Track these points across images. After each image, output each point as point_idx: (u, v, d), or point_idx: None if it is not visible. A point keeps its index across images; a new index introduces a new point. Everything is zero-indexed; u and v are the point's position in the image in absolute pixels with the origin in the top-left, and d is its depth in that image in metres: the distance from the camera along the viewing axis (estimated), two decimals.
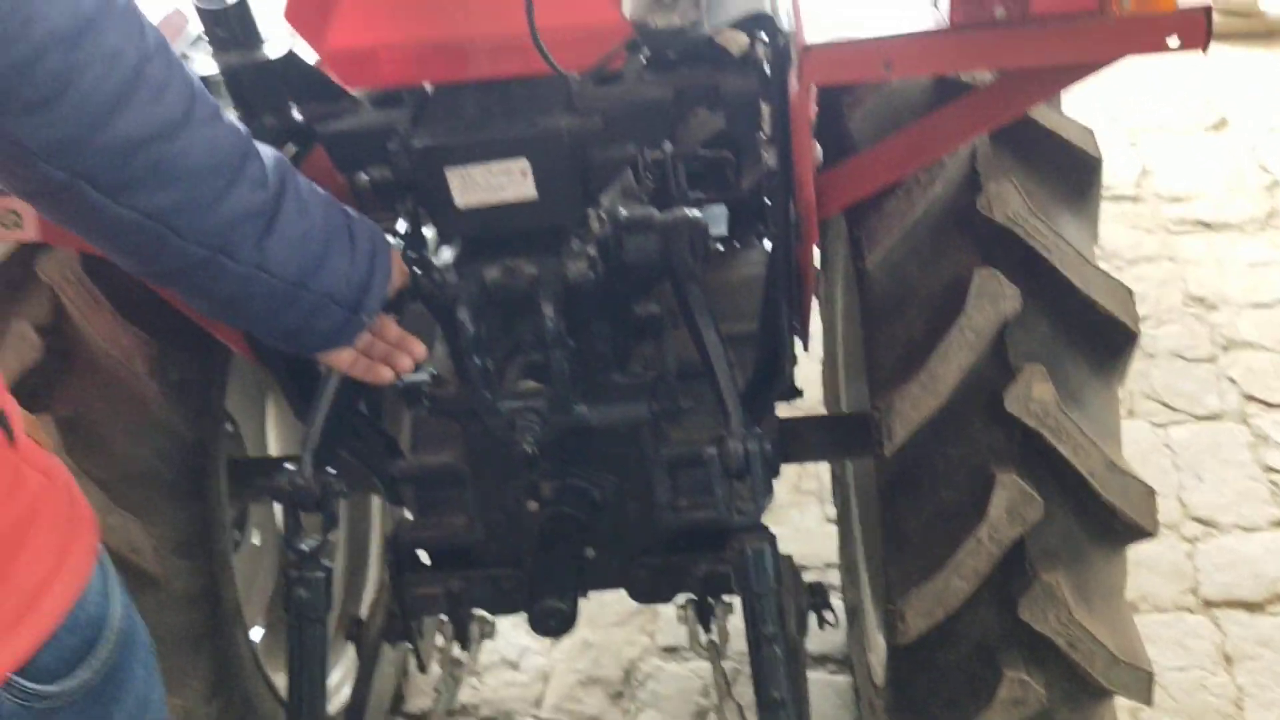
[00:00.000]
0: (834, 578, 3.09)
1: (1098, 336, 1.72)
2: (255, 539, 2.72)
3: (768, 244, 2.57)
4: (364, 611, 2.74)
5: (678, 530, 2.15)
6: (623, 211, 1.94)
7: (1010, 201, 1.72)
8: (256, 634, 2.65)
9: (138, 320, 1.82)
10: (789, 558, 2.02)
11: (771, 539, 1.77)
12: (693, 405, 1.91)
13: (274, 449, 2.69)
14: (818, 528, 3.33)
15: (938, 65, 1.48)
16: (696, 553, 2.15)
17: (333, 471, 1.82)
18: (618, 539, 2.16)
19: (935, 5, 1.52)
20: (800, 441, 2.28)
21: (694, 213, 1.93)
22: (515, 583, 2.19)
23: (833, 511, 3.09)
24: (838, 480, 2.89)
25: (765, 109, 1.71)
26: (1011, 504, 1.61)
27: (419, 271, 1.78)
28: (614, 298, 1.92)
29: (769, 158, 1.69)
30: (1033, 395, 1.63)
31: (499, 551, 2.20)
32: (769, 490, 1.75)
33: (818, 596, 2.19)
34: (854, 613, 2.68)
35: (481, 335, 1.78)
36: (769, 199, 1.75)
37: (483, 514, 2.17)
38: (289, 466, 1.83)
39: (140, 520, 1.78)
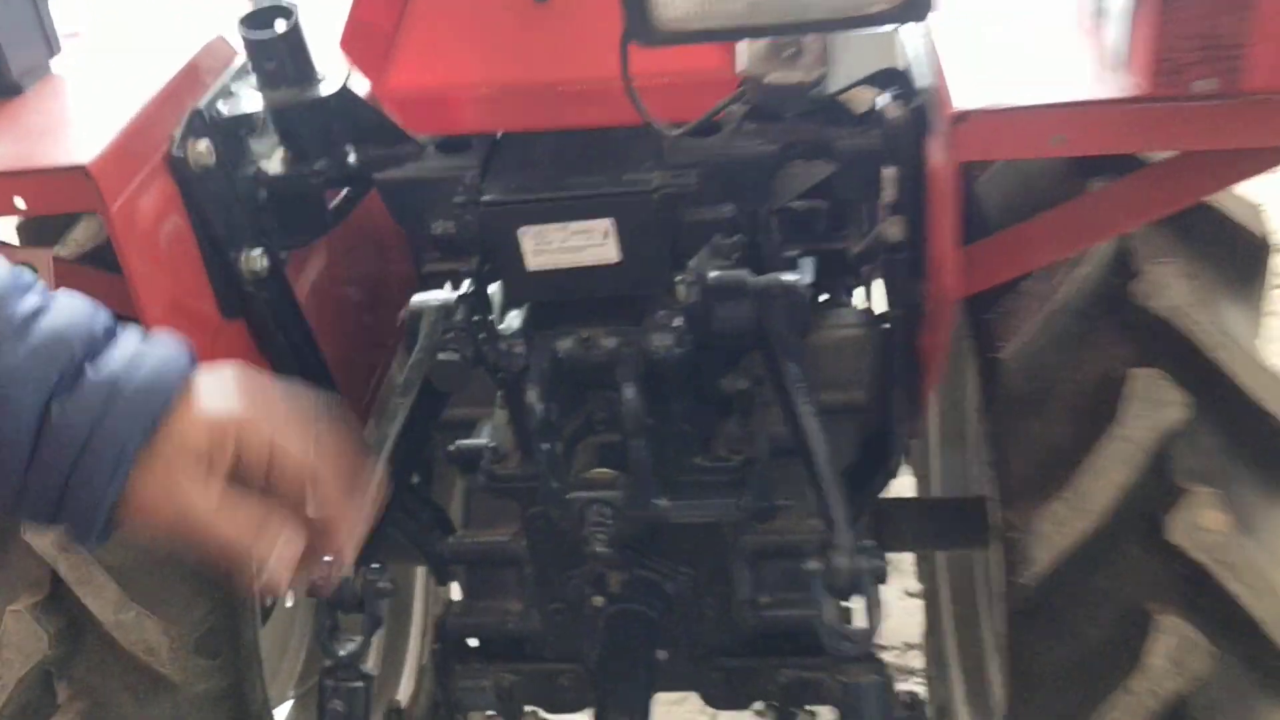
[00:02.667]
0: (914, 660, 2.83)
1: (1273, 453, 1.46)
2: (289, 599, 2.51)
3: (858, 301, 2.34)
4: (402, 693, 2.53)
5: (759, 630, 1.91)
6: (712, 275, 1.71)
7: (1171, 289, 1.46)
8: (285, 709, 2.45)
9: None
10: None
11: (883, 670, 1.52)
12: (789, 502, 1.67)
13: None
14: (896, 601, 3.06)
15: (1122, 143, 1.23)
16: (780, 656, 1.91)
17: (376, 566, 1.60)
18: (692, 638, 1.92)
19: (1105, 58, 1.27)
20: (895, 528, 2.03)
21: (792, 277, 1.69)
22: (575, 680, 1.96)
23: (914, 584, 2.82)
24: (924, 556, 2.63)
25: (888, 173, 1.46)
26: (1174, 652, 1.36)
27: (482, 337, 1.57)
28: (699, 372, 1.68)
29: (893, 230, 1.44)
30: (1200, 523, 1.38)
31: (558, 644, 1.96)
32: (880, 611, 1.51)
33: (914, 711, 1.94)
34: (943, 711, 2.42)
35: (551, 414, 1.56)
36: (890, 274, 1.51)
37: (541, 602, 1.94)
38: (325, 559, 1.61)
39: (156, 615, 1.57)
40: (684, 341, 1.58)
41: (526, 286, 1.59)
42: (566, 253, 1.55)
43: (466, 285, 1.64)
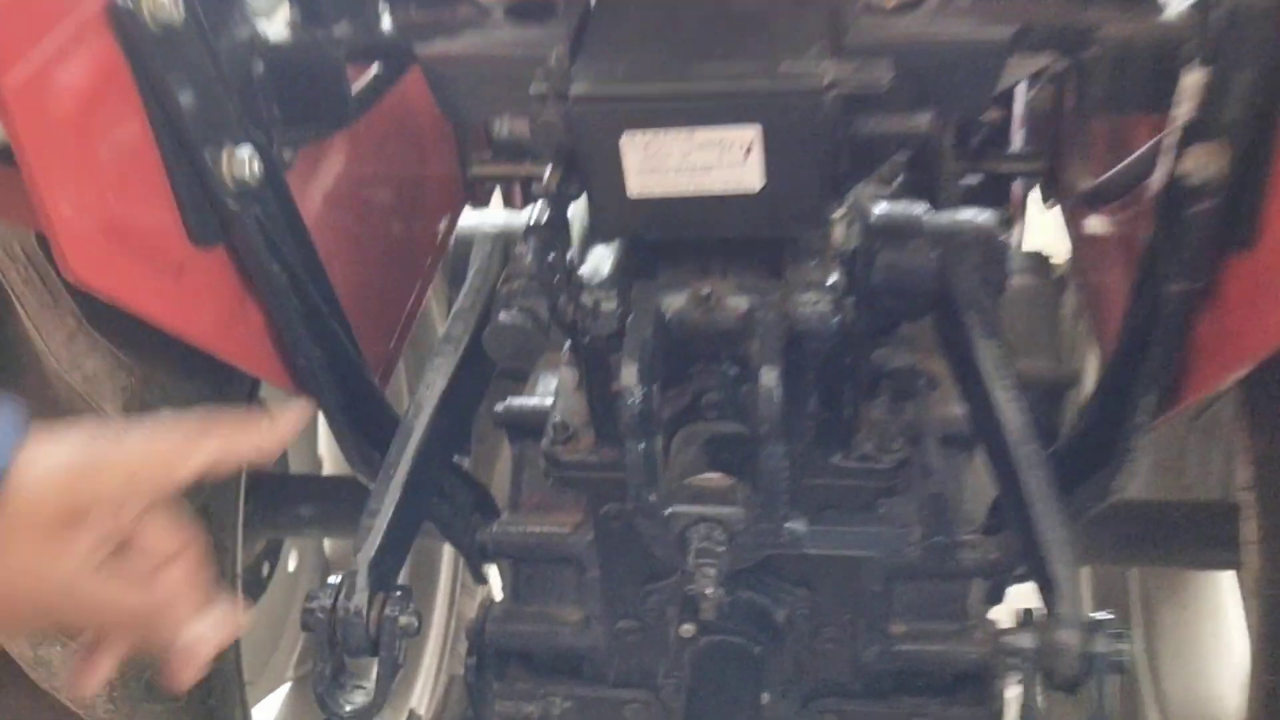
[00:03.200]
0: None
1: None
2: (291, 563, 2.09)
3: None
4: (418, 701, 2.11)
5: (890, 668, 1.48)
6: (879, 212, 1.24)
7: None
8: (283, 691, 2.05)
9: (111, 334, 1.15)
10: None
11: None
12: (973, 536, 1.23)
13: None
14: None
15: None
16: (915, 699, 1.49)
17: (398, 594, 1.16)
18: (804, 677, 1.49)
19: None
20: (1112, 535, 1.58)
21: (987, 218, 1.23)
22: (645, 715, 1.55)
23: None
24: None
25: (1193, 78, 0.98)
26: None
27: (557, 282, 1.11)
28: (853, 343, 1.22)
29: (1203, 163, 0.96)
30: None
31: (625, 668, 1.54)
32: (1107, 712, 1.07)
33: None
34: None
35: (649, 399, 1.10)
36: (1179, 226, 1.03)
37: (607, 616, 1.51)
38: (331, 581, 1.18)
39: None
40: (842, 305, 1.12)
41: (626, 218, 1.13)
42: (687, 173, 1.08)
43: (539, 209, 1.17)
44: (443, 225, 1.81)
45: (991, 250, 1.25)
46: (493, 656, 1.59)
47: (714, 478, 1.20)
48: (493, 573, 1.65)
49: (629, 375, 1.09)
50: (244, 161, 1.07)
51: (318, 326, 1.23)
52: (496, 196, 2.03)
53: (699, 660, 1.43)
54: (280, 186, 1.16)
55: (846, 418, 1.30)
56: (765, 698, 1.45)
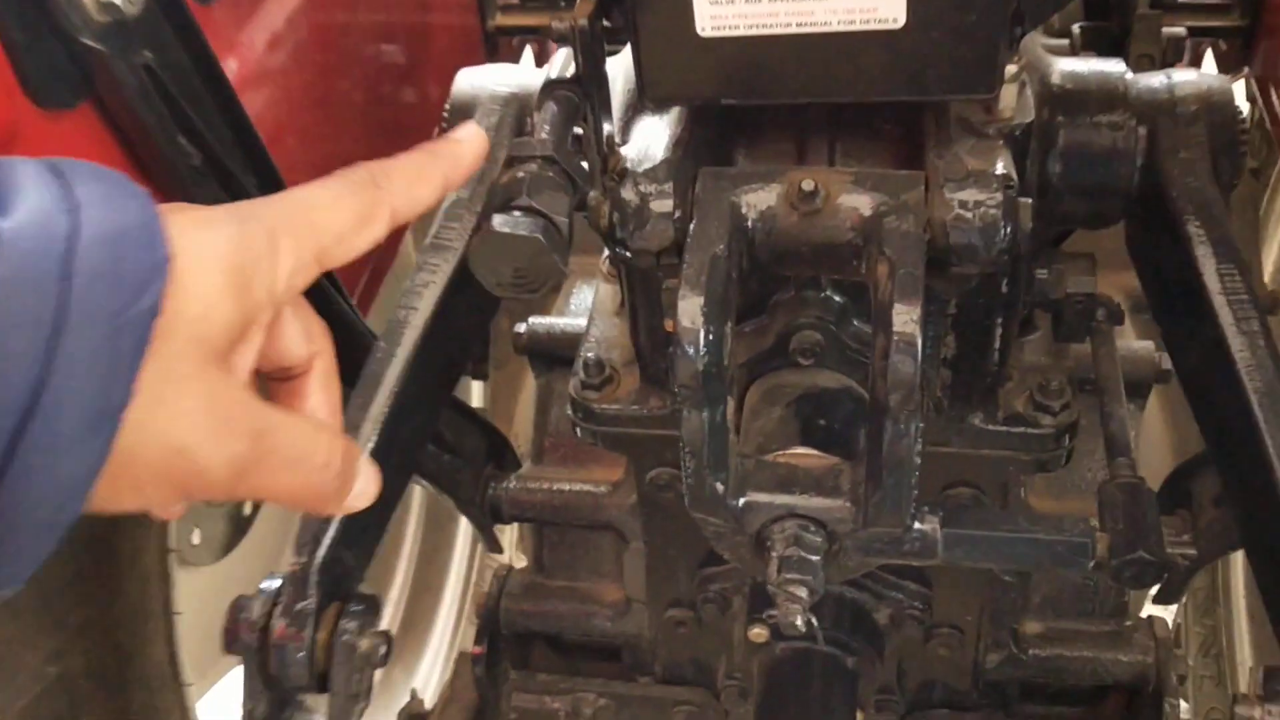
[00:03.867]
0: None
1: None
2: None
3: None
4: (423, 681, 1.78)
5: (1019, 676, 1.14)
6: (1061, 70, 0.86)
7: None
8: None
9: None
10: None
11: None
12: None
13: None
14: None
15: None
16: (1050, 713, 1.17)
17: (358, 607, 0.83)
18: (907, 687, 1.16)
19: None
20: None
21: (1216, 79, 0.85)
22: (703, 716, 1.22)
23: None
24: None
25: None
26: None
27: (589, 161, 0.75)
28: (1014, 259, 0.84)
29: None
30: None
31: (676, 661, 1.22)
32: None
33: None
34: None
35: (719, 349, 0.73)
36: None
37: (653, 595, 1.18)
38: (266, 585, 0.84)
39: None
40: (1014, 207, 0.74)
41: (691, 71, 0.75)
42: (788, 2, 0.70)
43: (562, 59, 0.80)
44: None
45: (1222, 126, 0.85)
46: (510, 639, 1.27)
47: (808, 454, 0.83)
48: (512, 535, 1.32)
49: (689, 312, 0.72)
50: None
51: None
52: (527, 57, 1.63)
53: (774, 668, 1.09)
54: (184, 20, 0.79)
55: (990, 362, 0.93)
56: (861, 718, 1.11)
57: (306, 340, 0.61)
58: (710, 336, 0.72)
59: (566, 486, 1.19)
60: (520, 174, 0.71)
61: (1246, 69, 1.32)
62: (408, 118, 1.31)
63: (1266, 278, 1.43)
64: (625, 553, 1.19)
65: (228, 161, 0.84)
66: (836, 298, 0.87)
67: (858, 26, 0.70)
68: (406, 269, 1.59)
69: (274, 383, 0.61)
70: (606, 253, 1.06)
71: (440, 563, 1.80)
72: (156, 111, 0.77)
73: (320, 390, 0.61)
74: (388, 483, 0.86)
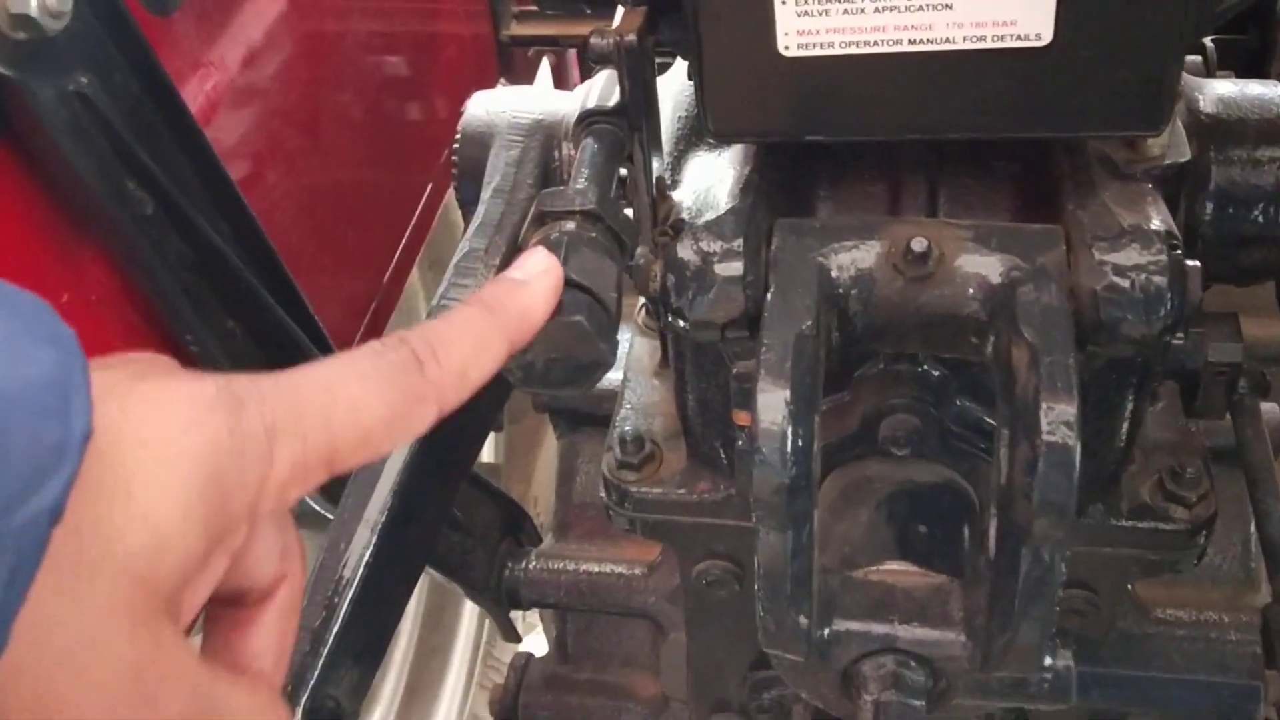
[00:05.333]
0: None
1: None
2: None
3: None
4: None
5: None
6: (1214, 95, 0.69)
7: None
8: None
9: None
10: None
11: None
12: None
13: None
14: None
15: None
16: None
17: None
18: None
19: None
20: None
21: None
22: None
23: None
24: None
25: None
26: None
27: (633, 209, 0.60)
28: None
29: None
30: None
31: None
32: None
33: None
34: None
35: (808, 455, 0.57)
36: None
37: (696, 697, 1.02)
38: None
39: None
40: (1181, 271, 0.59)
41: (768, 100, 0.60)
42: (899, 11, 0.54)
43: (603, 83, 0.64)
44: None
45: None
46: None
47: (906, 570, 0.67)
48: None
49: (772, 409, 0.56)
50: None
51: (223, 288, 0.71)
52: (544, 71, 1.47)
53: None
54: (129, 36, 0.63)
55: (1117, 447, 0.77)
56: None
57: (278, 559, 0.45)
58: (799, 441, 0.56)
59: (595, 567, 1.03)
60: (554, 235, 0.55)
61: None
62: (413, 140, 1.15)
63: None
64: (663, 643, 1.03)
65: (190, 208, 0.68)
66: (935, 371, 0.71)
67: (990, 44, 0.55)
68: (413, 309, 1.44)
69: (216, 605, 0.45)
70: (643, 302, 0.90)
71: (447, 624, 1.62)
72: (94, 152, 0.61)
73: (274, 628, 0.45)
74: (388, 601, 0.70)
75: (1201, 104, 0.70)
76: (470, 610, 1.69)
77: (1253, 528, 0.94)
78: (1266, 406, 0.96)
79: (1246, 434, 0.78)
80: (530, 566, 1.03)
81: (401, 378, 0.45)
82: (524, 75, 1.40)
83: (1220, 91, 0.71)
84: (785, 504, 0.57)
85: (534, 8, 1.28)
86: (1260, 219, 0.70)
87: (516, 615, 1.11)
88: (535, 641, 1.27)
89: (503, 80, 1.34)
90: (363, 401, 0.43)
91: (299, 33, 0.91)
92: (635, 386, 0.90)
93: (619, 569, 1.02)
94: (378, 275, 1.15)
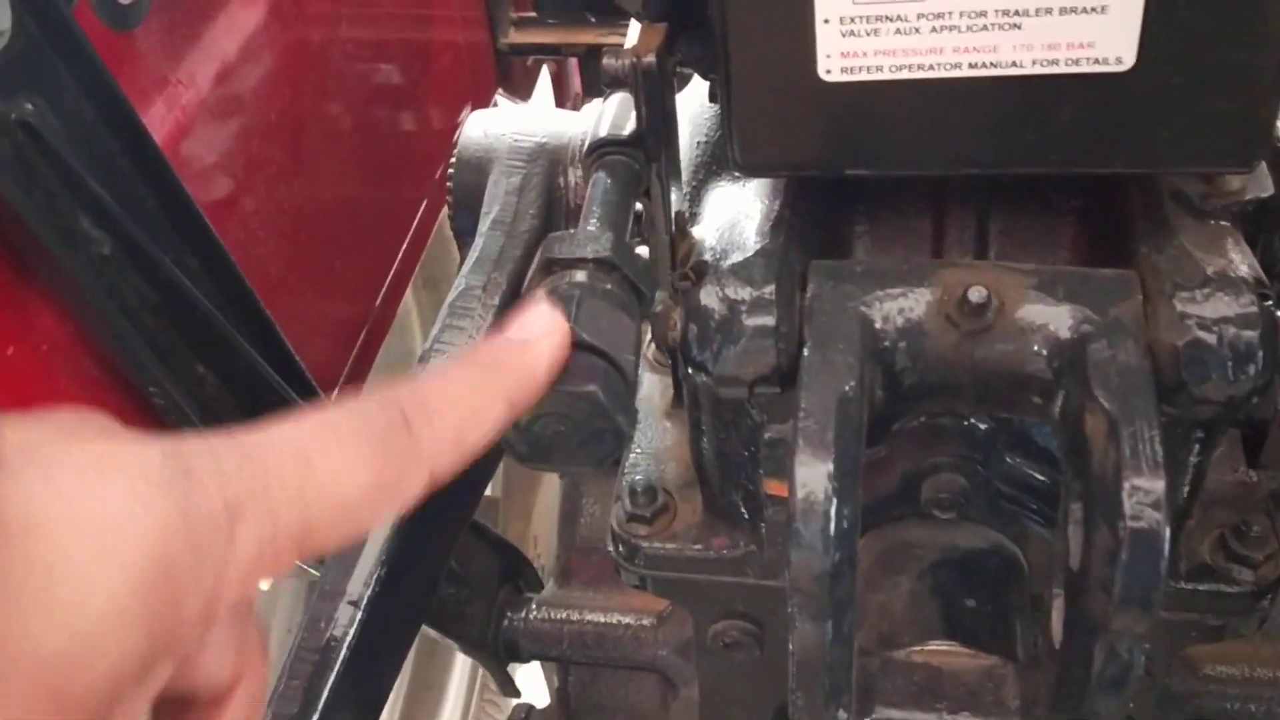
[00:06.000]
0: None
1: None
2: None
3: None
4: None
5: None
6: None
7: None
8: None
9: None
10: None
11: None
12: None
13: None
14: None
15: None
16: None
17: None
18: None
19: None
20: None
21: None
22: None
23: None
24: None
25: None
26: None
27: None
28: None
29: None
30: None
31: None
32: None
33: None
34: None
35: (852, 535, 0.50)
36: None
37: None
38: None
39: None
40: (1274, 321, 0.52)
41: (804, 130, 0.52)
42: (958, 31, 0.47)
43: (615, 107, 0.57)
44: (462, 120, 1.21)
45: None
46: None
47: (954, 651, 0.60)
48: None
49: (813, 485, 0.49)
50: None
51: (193, 333, 0.64)
52: (544, 80, 1.40)
53: None
54: (81, 55, 0.56)
55: (1179, 501, 0.70)
56: None
57: (235, 655, 0.38)
58: (844, 523, 0.49)
59: (600, 617, 0.96)
60: (564, 287, 0.48)
61: None
62: (407, 154, 1.08)
63: None
64: (674, 701, 0.96)
65: (152, 245, 0.61)
66: (982, 425, 0.64)
67: (1063, 69, 0.48)
68: (408, 329, 1.37)
69: (158, 712, 0.38)
70: (652, 340, 0.83)
71: (441, 657, 1.55)
72: (41, 188, 0.54)
73: None
74: (379, 669, 0.64)
75: None
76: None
77: None
78: None
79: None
80: (531, 617, 0.96)
81: (389, 441, 0.38)
82: (523, 85, 1.32)
83: None
84: (827, 591, 0.50)
85: (533, 14, 1.21)
86: None
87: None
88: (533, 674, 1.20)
89: (500, 90, 1.27)
90: (344, 469, 0.37)
91: (281, 43, 0.84)
92: (646, 428, 0.83)
93: (626, 619, 0.95)
94: (370, 298, 1.08)
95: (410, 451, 0.39)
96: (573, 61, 1.38)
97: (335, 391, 1.00)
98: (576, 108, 1.44)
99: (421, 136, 1.15)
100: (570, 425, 0.46)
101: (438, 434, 0.39)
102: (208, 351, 0.65)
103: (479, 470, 0.80)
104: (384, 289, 1.11)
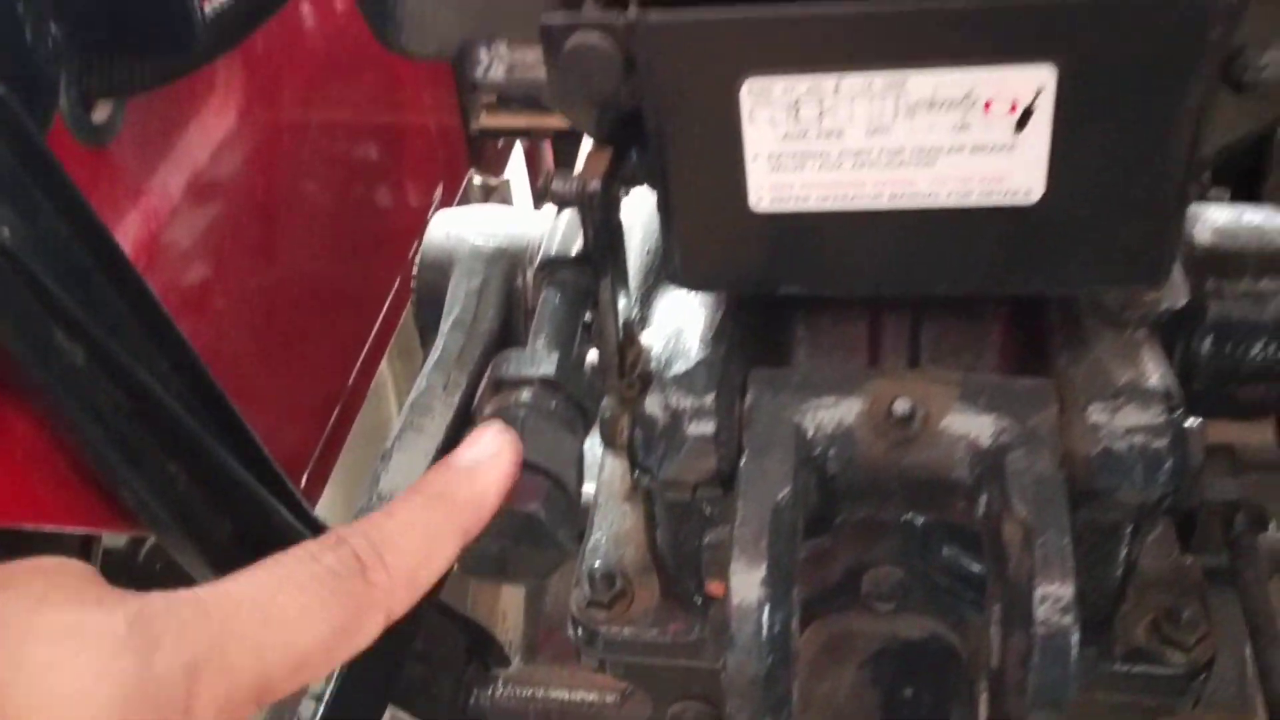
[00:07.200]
0: None
1: None
2: None
3: None
4: None
5: None
6: (1210, 227, 0.66)
7: None
8: None
9: None
10: None
11: None
12: None
13: None
14: None
15: None
16: None
17: None
18: None
19: None
20: None
21: None
22: None
23: None
24: None
25: None
26: None
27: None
28: None
29: None
30: None
31: None
32: None
33: None
34: None
35: (787, 635, 0.53)
36: None
37: None
38: None
39: None
40: (1181, 433, 0.55)
41: (740, 253, 0.56)
42: (880, 167, 0.50)
43: (568, 225, 0.61)
44: (435, 201, 1.24)
45: None
46: None
47: None
48: None
49: (746, 591, 0.52)
50: None
51: (163, 434, 0.66)
52: (517, 155, 1.44)
53: None
54: (55, 178, 0.59)
55: (1111, 589, 0.73)
56: None
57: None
58: (776, 627, 0.52)
59: (565, 694, 0.98)
60: (510, 406, 0.51)
61: None
62: (382, 234, 1.11)
63: None
64: None
65: (124, 353, 0.63)
66: (919, 519, 0.67)
67: (976, 201, 0.51)
68: (383, 398, 1.40)
69: None
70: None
71: None
72: (16, 306, 0.57)
73: None
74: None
75: (1198, 234, 0.67)
76: None
77: (1248, 650, 0.90)
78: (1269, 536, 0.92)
79: (1246, 575, 0.75)
80: (497, 695, 0.98)
81: (343, 586, 0.41)
82: (496, 163, 1.36)
83: (1217, 221, 0.68)
84: (761, 693, 0.53)
85: (501, 99, 1.25)
86: (1261, 356, 0.67)
87: None
88: None
89: (473, 170, 1.31)
90: (299, 619, 0.39)
91: (253, 140, 0.87)
92: (607, 511, 0.85)
93: (590, 696, 0.97)
94: (343, 376, 1.11)
95: (365, 596, 0.41)
96: (547, 142, 1.42)
97: (307, 471, 1.03)
98: (549, 183, 1.48)
99: (396, 215, 1.18)
100: (514, 542, 0.48)
101: (393, 575, 0.42)
102: (178, 451, 0.67)
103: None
104: (357, 366, 1.13)
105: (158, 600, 0.37)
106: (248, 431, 0.75)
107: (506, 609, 1.18)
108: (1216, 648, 0.75)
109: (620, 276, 0.59)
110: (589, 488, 0.87)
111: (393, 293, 1.18)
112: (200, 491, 0.70)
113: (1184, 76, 0.47)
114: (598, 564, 0.80)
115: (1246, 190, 0.80)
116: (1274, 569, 0.83)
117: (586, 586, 0.80)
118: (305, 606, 0.39)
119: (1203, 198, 0.78)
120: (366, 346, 1.14)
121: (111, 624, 0.35)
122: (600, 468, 0.89)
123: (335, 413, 1.10)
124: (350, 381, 1.13)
